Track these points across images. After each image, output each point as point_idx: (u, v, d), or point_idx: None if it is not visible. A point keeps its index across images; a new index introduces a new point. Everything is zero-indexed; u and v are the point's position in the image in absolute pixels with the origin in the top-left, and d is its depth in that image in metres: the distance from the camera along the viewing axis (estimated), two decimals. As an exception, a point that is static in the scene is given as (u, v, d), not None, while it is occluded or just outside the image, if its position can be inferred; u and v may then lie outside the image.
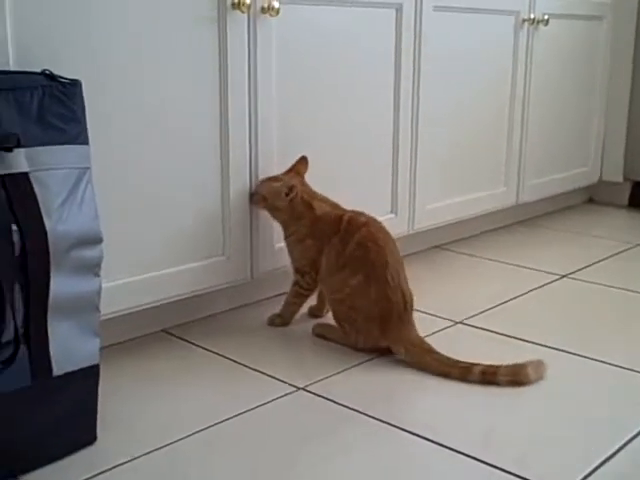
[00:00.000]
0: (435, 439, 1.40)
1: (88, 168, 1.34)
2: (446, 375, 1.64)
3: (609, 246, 2.70)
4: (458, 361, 1.65)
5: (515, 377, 1.60)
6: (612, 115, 3.24)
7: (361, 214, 1.83)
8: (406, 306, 1.74)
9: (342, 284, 1.75)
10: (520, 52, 2.68)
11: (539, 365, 1.63)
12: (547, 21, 2.73)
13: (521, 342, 1.85)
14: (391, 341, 1.72)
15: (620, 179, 3.28)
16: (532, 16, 2.68)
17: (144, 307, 1.75)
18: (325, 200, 1.88)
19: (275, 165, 1.93)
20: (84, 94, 1.35)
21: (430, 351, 1.69)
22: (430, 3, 2.28)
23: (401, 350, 1.71)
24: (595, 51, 3.11)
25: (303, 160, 1.91)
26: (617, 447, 1.38)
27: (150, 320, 1.85)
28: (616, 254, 2.60)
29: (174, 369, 1.69)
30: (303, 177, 1.90)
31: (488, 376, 1.60)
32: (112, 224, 1.59)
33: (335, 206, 1.88)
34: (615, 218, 3.15)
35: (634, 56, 3.16)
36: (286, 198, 1.83)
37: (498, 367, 1.61)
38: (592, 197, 3.41)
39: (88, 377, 1.35)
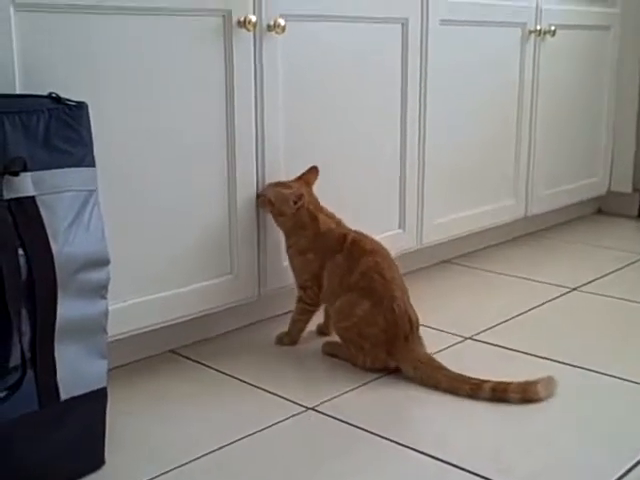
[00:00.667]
0: (446, 459, 1.39)
1: (94, 190, 1.33)
2: (456, 392, 1.63)
3: (619, 257, 2.68)
4: (469, 378, 1.64)
5: (525, 394, 1.58)
6: (620, 126, 3.23)
7: (366, 237, 1.83)
8: (412, 329, 1.74)
9: (348, 311, 1.75)
10: (527, 64, 2.68)
11: (549, 382, 1.61)
12: (554, 32, 2.72)
13: (532, 357, 1.83)
14: (399, 361, 1.72)
15: (629, 190, 3.26)
16: (539, 27, 2.67)
17: (152, 328, 1.74)
18: (331, 216, 1.88)
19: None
20: (90, 116, 1.35)
21: (439, 368, 1.68)
22: (436, 17, 2.28)
23: (410, 369, 1.70)
24: (602, 62, 3.10)
25: (313, 170, 1.90)
26: (631, 464, 1.37)
27: (158, 340, 1.84)
28: (626, 265, 2.58)
29: (182, 390, 1.68)
30: (311, 187, 1.89)
31: (499, 393, 1.59)
32: (119, 245, 1.58)
33: (339, 223, 1.87)
34: (624, 229, 3.13)
35: (642, 66, 3.15)
36: (293, 206, 1.82)
37: (509, 384, 1.59)
38: (601, 208, 3.40)
39: (96, 400, 1.34)
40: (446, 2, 2.31)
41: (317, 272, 1.83)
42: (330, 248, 1.81)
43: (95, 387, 1.33)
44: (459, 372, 1.66)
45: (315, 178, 1.91)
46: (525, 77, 2.68)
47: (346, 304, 1.75)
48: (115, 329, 1.57)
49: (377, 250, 1.80)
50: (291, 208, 1.82)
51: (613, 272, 2.51)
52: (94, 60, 1.54)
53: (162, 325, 1.76)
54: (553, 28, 2.72)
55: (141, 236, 1.68)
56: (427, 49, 2.28)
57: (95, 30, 1.54)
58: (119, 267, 1.52)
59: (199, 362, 1.81)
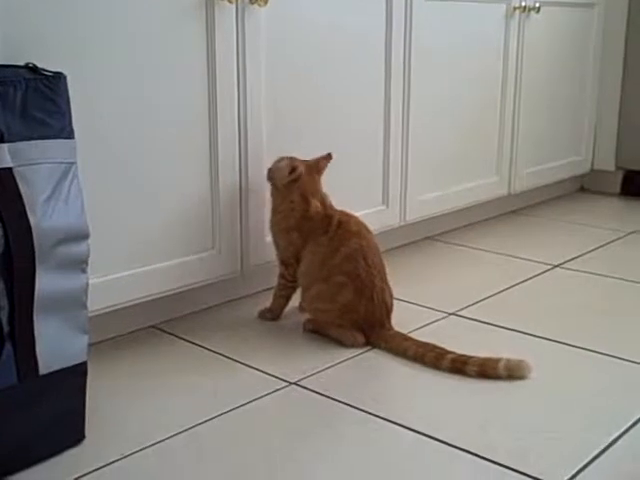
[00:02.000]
0: (429, 433, 1.39)
1: (74, 163, 1.31)
2: (422, 359, 1.65)
3: (601, 235, 2.68)
4: (435, 346, 1.67)
5: (483, 369, 1.59)
6: (604, 104, 3.23)
7: (351, 218, 1.81)
8: (388, 315, 1.78)
9: (328, 297, 1.75)
10: (511, 40, 2.66)
11: (517, 364, 1.59)
12: (538, 9, 2.71)
13: (515, 333, 1.84)
14: (373, 341, 1.75)
15: (612, 168, 3.27)
16: (523, 4, 2.66)
17: (133, 303, 1.72)
18: (323, 202, 1.84)
19: (265, 157, 1.91)
20: (69, 86, 1.33)
21: (407, 338, 1.73)
22: (420, -8, 2.26)
23: (381, 343, 1.74)
24: (587, 39, 3.09)
25: (327, 156, 1.87)
26: (614, 437, 1.37)
27: (139, 316, 1.82)
28: (608, 243, 2.59)
29: (164, 365, 1.67)
30: (318, 171, 1.86)
31: (458, 364, 1.61)
32: (100, 218, 1.57)
33: (329, 206, 1.84)
34: (607, 207, 3.14)
35: (625, 44, 3.15)
36: (287, 177, 1.81)
37: (470, 357, 1.61)
38: (584, 186, 3.40)
39: (76, 375, 1.33)
40: (431, -23, 2.29)
41: (299, 250, 1.82)
42: (315, 230, 1.79)
43: (75, 362, 1.32)
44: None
45: (325, 165, 1.87)
46: (509, 54, 2.67)
47: (327, 290, 1.75)
48: (96, 304, 1.56)
49: (362, 232, 1.79)
50: (284, 178, 1.81)
51: (595, 249, 2.52)
52: (74, 30, 1.51)
53: (143, 300, 1.75)
54: (538, 5, 2.70)
55: (123, 209, 1.66)
56: (412, 25, 2.26)
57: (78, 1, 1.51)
58: (100, 241, 1.51)
59: (181, 337, 1.80)
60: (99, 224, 1.56)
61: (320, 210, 1.82)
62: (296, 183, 1.81)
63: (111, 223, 1.64)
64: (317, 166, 1.86)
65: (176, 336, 1.81)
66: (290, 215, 1.82)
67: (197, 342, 1.77)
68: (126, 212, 1.67)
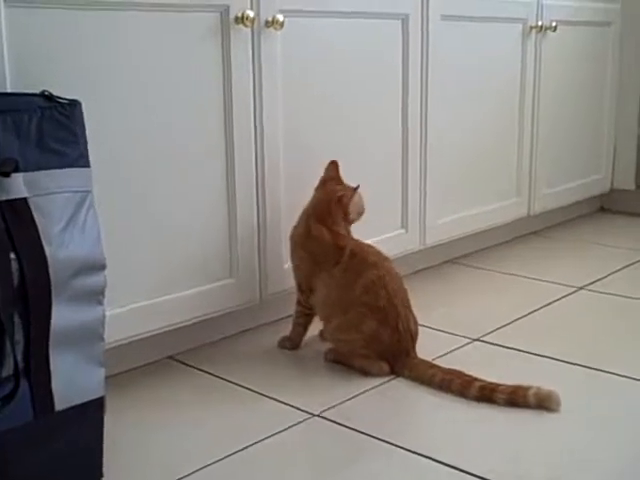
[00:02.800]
0: (460, 466, 1.34)
1: (89, 191, 1.28)
2: (448, 387, 1.61)
3: (624, 255, 2.63)
4: (462, 373, 1.62)
5: (513, 397, 1.54)
6: (622, 122, 3.18)
7: (366, 248, 1.77)
8: (414, 344, 1.73)
9: (351, 327, 1.70)
10: (529, 60, 2.63)
11: (547, 394, 1.53)
12: (555, 28, 2.68)
13: (542, 359, 1.79)
14: (397, 370, 1.71)
15: (632, 187, 3.22)
16: (540, 23, 2.63)
17: (151, 334, 1.68)
18: (332, 230, 1.78)
19: (282, 182, 1.88)
20: (84, 115, 1.30)
21: (433, 365, 1.69)
22: (437, 12, 2.23)
23: (405, 371, 1.69)
24: (604, 57, 3.06)
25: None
26: (650, 471, 1.32)
27: (156, 347, 1.78)
28: (632, 264, 2.54)
29: (182, 398, 1.63)
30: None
31: (487, 392, 1.56)
32: (116, 248, 1.54)
33: (337, 234, 1.77)
34: (628, 226, 3.09)
35: (643, 61, 3.11)
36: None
37: (498, 385, 1.56)
38: (603, 206, 3.35)
39: (93, 410, 1.28)
40: (447, -3, 2.27)
41: (308, 276, 1.78)
42: (327, 260, 1.75)
43: (92, 397, 1.28)
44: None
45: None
46: (527, 74, 2.64)
47: (349, 321, 1.71)
48: (113, 335, 1.52)
49: (379, 262, 1.74)
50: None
51: (619, 270, 2.47)
52: (87, 57, 1.49)
53: (161, 331, 1.71)
54: (554, 24, 2.67)
55: (139, 239, 1.63)
56: (428, 45, 2.23)
57: (87, 26, 1.49)
58: (116, 271, 1.47)
59: (199, 369, 1.76)
60: (116, 254, 1.52)
61: (326, 236, 1.76)
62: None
63: (128, 253, 1.61)
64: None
65: (194, 367, 1.77)
66: (301, 227, 1.81)
67: (216, 373, 1.73)
68: (143, 241, 1.64)
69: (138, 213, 1.62)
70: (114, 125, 1.55)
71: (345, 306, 1.71)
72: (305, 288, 1.80)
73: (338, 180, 1.84)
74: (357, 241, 1.80)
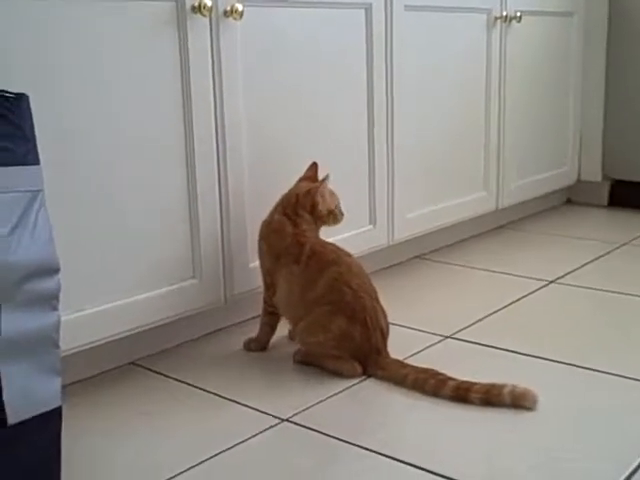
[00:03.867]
0: (433, 469, 1.29)
1: (40, 190, 1.21)
2: (422, 387, 1.56)
3: (593, 248, 2.61)
4: (436, 372, 1.57)
5: (488, 396, 1.49)
6: (588, 113, 3.16)
7: (326, 246, 1.72)
8: (384, 340, 1.68)
9: (321, 327, 1.64)
10: (494, 51, 2.59)
11: (523, 393, 1.49)
12: (520, 18, 2.64)
13: (516, 355, 1.74)
14: (370, 370, 1.66)
15: (599, 178, 3.20)
16: (504, 13, 2.59)
17: (111, 339, 1.61)
18: (297, 225, 1.73)
19: (246, 176, 1.82)
20: (37, 109, 1.23)
21: (405, 365, 1.64)
22: (401, 2, 2.18)
23: (378, 371, 1.64)
24: (568, 48, 3.04)
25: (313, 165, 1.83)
26: (633, 467, 1.28)
27: (117, 352, 1.71)
28: (601, 256, 2.52)
29: (145, 405, 1.55)
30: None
31: (461, 392, 1.51)
32: (72, 249, 1.47)
33: (302, 235, 1.72)
34: (596, 218, 3.07)
35: (607, 51, 3.09)
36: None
37: (473, 384, 1.52)
38: (571, 198, 3.33)
39: (49, 422, 1.21)
40: (410, -13, 2.22)
41: (270, 269, 1.72)
42: (283, 250, 1.70)
43: (48, 407, 1.20)
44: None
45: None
46: (492, 65, 2.60)
47: (317, 320, 1.65)
48: (70, 342, 1.46)
49: (339, 259, 1.68)
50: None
51: (589, 263, 2.44)
52: (35, 49, 1.41)
53: (122, 335, 1.63)
54: (519, 14, 2.64)
55: (96, 240, 1.56)
56: (392, 36, 2.18)
57: (38, 16, 1.41)
58: (72, 273, 1.41)
59: (163, 374, 1.69)
60: (72, 256, 1.45)
61: (288, 229, 1.71)
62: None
63: (85, 254, 1.54)
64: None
65: (158, 372, 1.70)
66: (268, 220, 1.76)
67: (180, 378, 1.66)
68: (100, 242, 1.57)
69: (96, 213, 1.55)
70: (69, 121, 1.48)
71: (309, 307, 1.66)
72: (269, 283, 1.74)
73: (314, 179, 1.80)
74: (319, 239, 1.74)
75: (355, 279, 1.66)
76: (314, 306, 1.65)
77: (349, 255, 1.71)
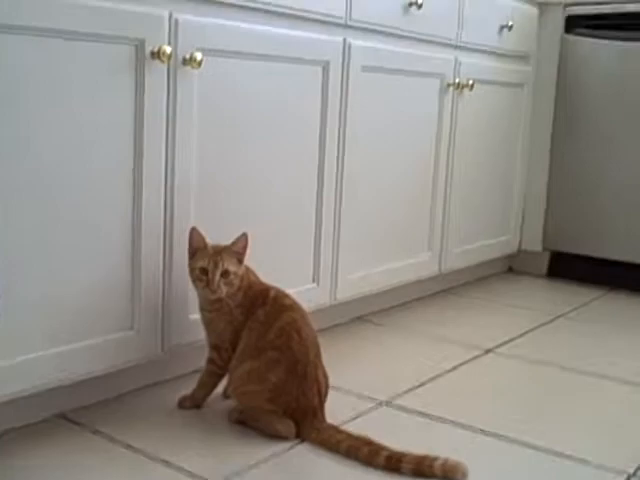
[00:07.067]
0: None
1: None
2: (355, 454, 1.53)
3: (531, 317, 2.64)
4: (370, 441, 1.55)
5: (419, 467, 1.47)
6: (532, 184, 3.22)
7: (285, 293, 1.71)
8: (321, 401, 1.65)
9: (258, 376, 1.61)
10: (445, 116, 2.62)
11: (454, 467, 1.47)
12: (472, 86, 2.68)
13: (450, 425, 1.73)
14: (304, 433, 1.62)
15: (539, 248, 3.24)
16: (457, 80, 2.62)
17: (38, 390, 1.54)
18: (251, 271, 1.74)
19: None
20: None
21: (340, 431, 1.61)
22: (358, 62, 2.19)
23: (312, 433, 1.60)
24: (517, 118, 3.09)
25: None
26: None
27: (44, 403, 1.63)
28: (538, 326, 2.54)
29: (69, 463, 1.47)
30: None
31: (393, 462, 1.49)
32: (3, 294, 1.40)
33: (258, 278, 1.74)
34: (535, 288, 3.10)
35: (553, 125, 3.15)
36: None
37: (404, 455, 1.50)
38: (511, 266, 3.36)
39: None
40: (367, 47, 2.22)
41: (239, 330, 1.67)
42: (254, 302, 1.67)
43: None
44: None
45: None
46: (443, 130, 2.62)
47: (257, 368, 1.61)
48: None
49: (296, 307, 1.68)
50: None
51: (526, 333, 2.46)
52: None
53: (50, 386, 1.56)
54: (471, 82, 2.67)
55: (28, 282, 1.49)
56: (347, 95, 2.18)
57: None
58: (4, 319, 1.34)
59: (92, 429, 1.61)
60: (2, 302, 1.38)
61: (255, 280, 1.72)
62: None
63: (14, 298, 1.46)
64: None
65: (86, 427, 1.62)
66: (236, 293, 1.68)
67: (111, 434, 1.59)
68: (31, 286, 1.49)
69: (34, 257, 1.48)
70: (13, 166, 1.42)
71: (258, 351, 1.62)
72: (229, 345, 1.68)
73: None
74: (276, 287, 1.72)
75: (306, 329, 1.64)
76: (262, 351, 1.61)
77: (302, 307, 1.70)
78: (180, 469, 1.46)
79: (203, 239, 1.67)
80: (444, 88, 2.59)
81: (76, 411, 1.68)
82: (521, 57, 3.05)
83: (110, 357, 1.65)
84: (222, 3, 1.79)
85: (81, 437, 1.58)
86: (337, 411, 1.70)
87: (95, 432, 1.60)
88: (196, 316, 1.76)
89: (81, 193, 1.55)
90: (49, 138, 1.48)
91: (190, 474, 1.45)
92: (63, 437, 1.57)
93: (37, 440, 1.55)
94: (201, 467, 1.47)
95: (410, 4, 2.36)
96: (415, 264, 2.60)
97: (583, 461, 1.59)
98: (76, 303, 1.58)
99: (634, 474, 1.55)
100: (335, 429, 1.61)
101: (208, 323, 1.71)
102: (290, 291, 1.76)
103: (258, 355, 1.62)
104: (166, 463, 1.48)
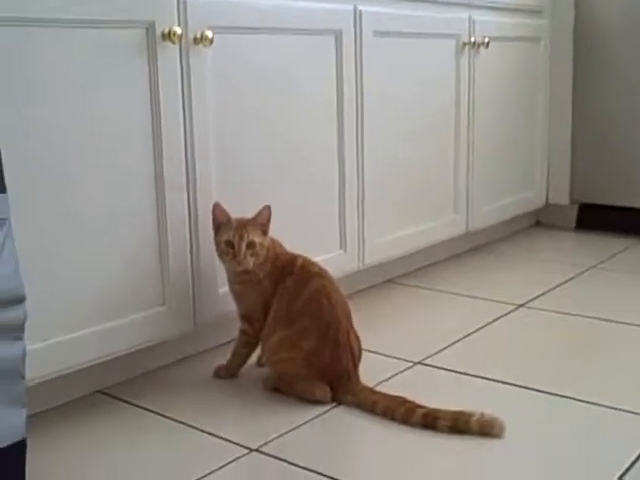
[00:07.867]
0: (405, 500, 1.28)
1: (6, 219, 1.19)
2: (392, 414, 1.56)
3: (561, 271, 2.63)
4: (405, 400, 1.57)
5: (455, 424, 1.50)
6: (556, 137, 3.20)
7: (312, 261, 1.74)
8: (355, 364, 1.68)
9: (291, 344, 1.64)
10: (462, 76, 2.61)
11: (490, 421, 1.49)
12: (487, 44, 2.67)
13: (485, 381, 1.75)
14: (340, 396, 1.65)
15: (567, 201, 3.23)
16: (472, 39, 2.61)
17: (77, 368, 1.59)
18: (278, 242, 1.78)
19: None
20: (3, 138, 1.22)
21: (375, 392, 1.63)
22: (370, 28, 2.19)
23: (348, 397, 1.63)
24: (536, 73, 3.07)
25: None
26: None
27: (84, 381, 1.68)
28: (570, 279, 2.53)
29: (112, 435, 1.53)
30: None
31: (430, 419, 1.52)
32: (38, 278, 1.45)
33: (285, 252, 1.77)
34: (564, 241, 3.09)
35: (574, 76, 3.12)
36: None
37: (440, 411, 1.52)
38: (539, 220, 3.35)
39: (13, 455, 1.19)
40: (378, 13, 2.23)
41: (269, 300, 1.70)
42: (282, 272, 1.70)
43: (12, 440, 1.19)
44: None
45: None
46: (461, 90, 2.62)
47: (289, 336, 1.64)
48: (36, 371, 1.44)
49: (323, 273, 1.71)
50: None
51: (558, 286, 2.46)
52: (4, 76, 1.40)
53: (89, 364, 1.61)
54: (487, 40, 2.66)
55: (63, 267, 1.54)
56: (362, 62, 2.19)
57: (11, 42, 1.40)
58: (38, 302, 1.39)
59: (131, 402, 1.67)
60: (38, 284, 1.43)
61: (281, 250, 1.75)
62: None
63: (51, 282, 1.52)
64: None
65: (125, 401, 1.68)
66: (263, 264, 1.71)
67: (148, 407, 1.64)
68: (67, 270, 1.55)
69: (64, 241, 1.53)
70: (36, 145, 1.46)
71: (289, 319, 1.65)
72: (260, 316, 1.71)
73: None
74: (300, 254, 1.75)
75: (335, 295, 1.67)
76: (294, 318, 1.65)
77: (329, 273, 1.73)
78: (218, 437, 1.51)
79: (226, 213, 1.71)
80: (460, 48, 2.58)
81: (115, 387, 1.74)
82: (535, 11, 3.02)
83: (145, 333, 1.70)
84: (229, -21, 1.81)
85: (121, 411, 1.63)
86: (371, 373, 1.73)
87: (134, 405, 1.65)
88: (225, 289, 1.80)
89: (106, 175, 1.59)
90: (67, 128, 1.51)
91: (228, 441, 1.49)
92: (104, 412, 1.63)
93: (80, 416, 1.61)
94: (240, 434, 1.51)
95: (419, -35, 2.36)
96: (442, 225, 2.61)
97: (621, 410, 1.59)
98: (109, 285, 1.62)
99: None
100: (370, 391, 1.64)
101: (238, 295, 1.75)
102: (317, 259, 1.80)
103: (289, 324, 1.65)
104: (204, 432, 1.53)
